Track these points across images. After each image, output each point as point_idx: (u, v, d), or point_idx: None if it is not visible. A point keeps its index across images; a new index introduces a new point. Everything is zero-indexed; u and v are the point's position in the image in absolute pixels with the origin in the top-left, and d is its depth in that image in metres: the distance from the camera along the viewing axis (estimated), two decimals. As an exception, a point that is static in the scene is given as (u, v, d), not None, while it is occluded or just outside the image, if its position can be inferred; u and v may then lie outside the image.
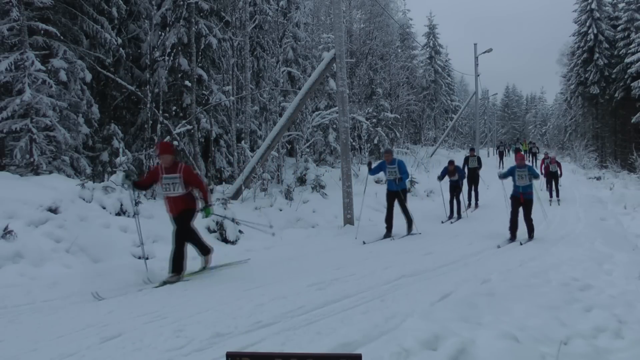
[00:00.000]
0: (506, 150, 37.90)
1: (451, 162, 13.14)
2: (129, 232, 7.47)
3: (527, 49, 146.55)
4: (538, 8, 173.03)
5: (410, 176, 12.78)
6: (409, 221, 9.95)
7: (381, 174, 11.14)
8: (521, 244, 8.84)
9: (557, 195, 16.14)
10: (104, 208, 7.92)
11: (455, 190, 12.93)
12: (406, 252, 7.90)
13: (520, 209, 9.28)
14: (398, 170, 9.69)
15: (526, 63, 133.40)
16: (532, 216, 9.34)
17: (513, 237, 9.19)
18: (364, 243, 8.92)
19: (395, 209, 9.81)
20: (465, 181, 13.51)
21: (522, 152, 28.00)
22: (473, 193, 14.78)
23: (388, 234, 9.65)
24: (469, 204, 14.45)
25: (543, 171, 17.48)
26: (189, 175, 5.98)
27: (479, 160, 15.02)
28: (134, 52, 13.87)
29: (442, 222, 12.18)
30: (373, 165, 10.12)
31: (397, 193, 9.75)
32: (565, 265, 6.29)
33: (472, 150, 16.04)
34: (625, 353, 3.48)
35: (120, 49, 12.17)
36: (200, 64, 14.15)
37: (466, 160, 15.03)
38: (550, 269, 6.10)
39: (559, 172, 16.44)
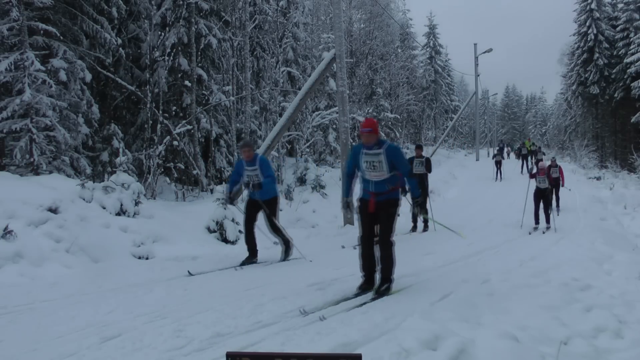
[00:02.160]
0: (506, 150, 37.70)
1: (419, 147, 11.36)
2: (129, 232, 7.48)
3: (527, 49, 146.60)
4: (538, 7, 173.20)
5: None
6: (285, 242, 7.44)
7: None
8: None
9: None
10: (104, 208, 7.92)
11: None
12: (406, 252, 7.89)
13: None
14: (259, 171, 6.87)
15: (526, 63, 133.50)
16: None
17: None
18: (343, 247, 8.32)
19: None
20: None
21: (522, 152, 27.66)
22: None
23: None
24: (413, 226, 10.89)
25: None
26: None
27: (427, 163, 10.87)
28: (134, 52, 13.87)
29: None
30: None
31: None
32: (565, 265, 6.29)
33: (418, 148, 11.32)
34: (625, 353, 3.48)
35: (120, 49, 12.17)
36: (200, 64, 14.15)
37: (410, 163, 10.47)
38: (550, 269, 6.10)
39: (556, 186, 13.34)
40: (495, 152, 27.83)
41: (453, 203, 16.72)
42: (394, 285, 5.14)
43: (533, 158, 25.22)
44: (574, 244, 8.39)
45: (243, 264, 6.78)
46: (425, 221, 10.64)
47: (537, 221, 11.23)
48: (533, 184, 11.48)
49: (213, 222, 8.84)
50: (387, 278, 4.97)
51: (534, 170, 11.74)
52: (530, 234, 10.60)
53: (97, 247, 6.75)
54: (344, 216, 11.22)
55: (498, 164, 23.43)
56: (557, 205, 13.83)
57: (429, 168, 10.90)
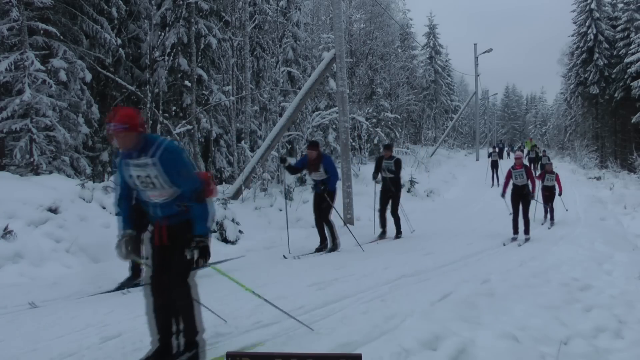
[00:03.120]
0: (506, 150, 37.54)
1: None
2: (129, 232, 7.46)
3: (527, 49, 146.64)
4: (538, 7, 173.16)
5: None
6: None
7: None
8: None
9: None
10: (104, 208, 7.92)
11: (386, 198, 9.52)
12: (406, 252, 7.90)
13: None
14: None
15: (526, 63, 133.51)
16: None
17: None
18: (296, 258, 7.44)
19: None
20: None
21: (522, 152, 27.21)
22: (389, 215, 9.46)
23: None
24: (383, 231, 9.43)
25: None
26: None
27: (396, 164, 9.27)
28: (134, 52, 13.87)
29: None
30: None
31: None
32: (565, 265, 6.30)
33: (387, 148, 9.72)
34: (625, 353, 3.48)
35: (120, 49, 12.18)
36: (200, 64, 14.15)
37: (378, 163, 9.51)
38: (550, 269, 6.10)
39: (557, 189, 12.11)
40: (491, 150, 24.24)
41: (453, 203, 16.73)
42: (392, 286, 5.11)
43: (537, 164, 21.46)
44: (574, 244, 8.39)
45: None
46: (398, 227, 9.41)
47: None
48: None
49: (213, 222, 8.83)
50: (191, 341, 3.26)
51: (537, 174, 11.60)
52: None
53: (97, 247, 6.75)
54: (344, 216, 11.21)
55: (494, 166, 20.15)
56: (551, 218, 11.81)
57: (398, 170, 9.26)
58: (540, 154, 22.42)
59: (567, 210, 13.21)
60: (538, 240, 9.30)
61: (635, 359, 3.41)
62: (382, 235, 9.39)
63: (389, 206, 9.46)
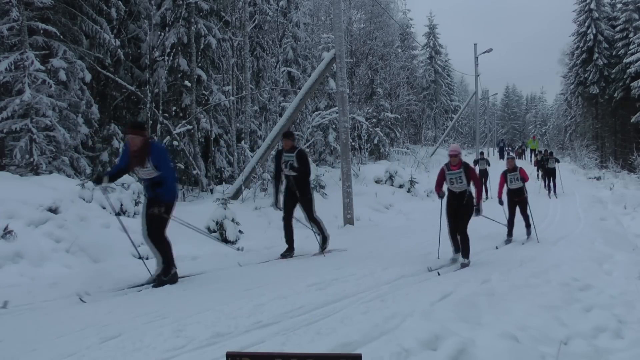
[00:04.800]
0: (507, 150, 37.47)
1: (286, 135, 7.74)
2: (129, 232, 7.46)
3: (527, 49, 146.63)
4: (538, 7, 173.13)
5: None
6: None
7: (381, 174, 10.02)
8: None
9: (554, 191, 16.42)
10: (104, 208, 7.91)
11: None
12: (406, 252, 7.90)
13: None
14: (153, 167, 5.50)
15: (526, 63, 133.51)
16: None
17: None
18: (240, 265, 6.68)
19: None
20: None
21: (524, 152, 26.67)
22: (312, 225, 7.74)
23: None
24: (288, 248, 7.49)
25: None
26: None
27: (300, 157, 7.29)
28: (133, 52, 13.86)
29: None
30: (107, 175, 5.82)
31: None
32: (565, 265, 6.30)
33: (286, 137, 7.49)
34: (625, 353, 3.48)
35: (120, 49, 12.17)
36: (199, 64, 14.14)
37: (277, 159, 7.59)
38: (550, 269, 6.10)
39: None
40: (479, 156, 18.44)
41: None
42: (392, 286, 5.09)
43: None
44: (574, 244, 8.39)
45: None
46: (322, 236, 7.71)
47: (510, 232, 9.45)
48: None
49: (213, 222, 8.83)
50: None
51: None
52: (497, 248, 8.55)
53: (97, 247, 6.75)
54: (344, 216, 11.22)
55: (483, 175, 15.99)
56: (528, 225, 9.72)
57: (303, 166, 7.22)
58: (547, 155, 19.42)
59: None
60: (538, 240, 9.30)
61: (635, 359, 3.41)
62: (287, 253, 7.29)
63: (304, 214, 7.58)
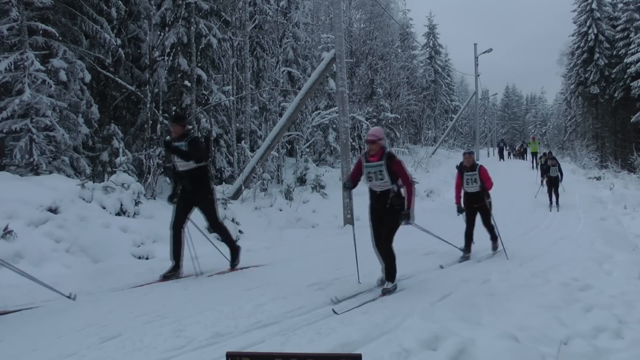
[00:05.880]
0: (507, 150, 37.19)
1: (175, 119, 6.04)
2: (129, 232, 7.47)
3: (527, 49, 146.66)
4: (538, 7, 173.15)
5: None
6: None
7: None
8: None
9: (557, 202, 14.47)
10: (104, 208, 7.92)
11: None
12: (406, 252, 7.89)
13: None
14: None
15: (526, 63, 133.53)
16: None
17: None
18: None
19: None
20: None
21: (525, 152, 25.59)
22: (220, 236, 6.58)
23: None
24: (175, 265, 5.96)
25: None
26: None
27: (193, 144, 5.88)
28: (133, 52, 13.87)
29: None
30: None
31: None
32: (565, 265, 6.30)
33: (175, 121, 5.96)
34: (625, 353, 3.48)
35: (120, 49, 12.17)
36: (200, 64, 14.15)
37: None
38: (550, 269, 6.10)
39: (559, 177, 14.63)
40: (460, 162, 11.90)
41: (453, 203, 16.69)
42: None
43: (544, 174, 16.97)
44: (574, 244, 8.38)
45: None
46: (232, 250, 6.40)
47: (468, 247, 7.51)
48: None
49: (213, 222, 8.82)
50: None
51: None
52: (442, 267, 6.70)
53: (97, 247, 6.75)
54: (344, 216, 11.22)
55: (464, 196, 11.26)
56: (493, 237, 7.90)
57: (195, 154, 5.80)
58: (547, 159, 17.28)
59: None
60: (538, 240, 9.30)
61: (635, 359, 3.40)
62: (171, 272, 5.75)
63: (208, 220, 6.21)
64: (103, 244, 6.87)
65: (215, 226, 6.22)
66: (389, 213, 5.11)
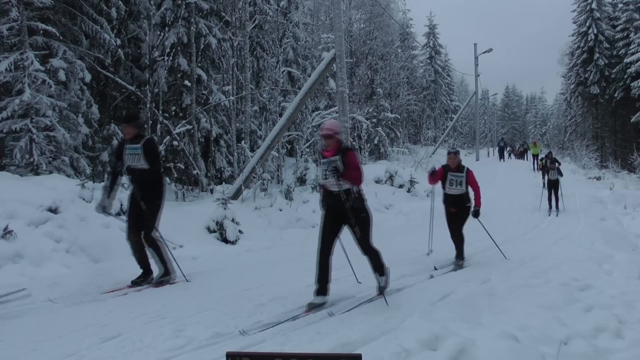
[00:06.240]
0: (507, 150, 37.06)
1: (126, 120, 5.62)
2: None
3: (527, 49, 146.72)
4: (539, 7, 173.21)
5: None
6: None
7: (381, 174, 8.69)
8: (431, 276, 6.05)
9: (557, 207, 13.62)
10: (104, 208, 7.90)
11: None
12: (406, 252, 7.89)
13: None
14: None
15: (526, 63, 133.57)
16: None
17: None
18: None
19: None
20: None
21: (526, 152, 24.95)
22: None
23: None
24: (143, 272, 5.57)
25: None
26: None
27: (147, 147, 5.49)
28: (133, 52, 13.87)
29: None
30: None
31: None
32: (565, 265, 6.29)
33: (126, 121, 5.58)
34: (625, 353, 3.48)
35: (120, 49, 12.18)
36: (199, 64, 14.15)
37: (118, 153, 5.68)
38: (550, 269, 6.10)
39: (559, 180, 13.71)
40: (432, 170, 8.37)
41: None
42: (392, 286, 5.04)
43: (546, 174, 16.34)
44: (574, 244, 8.38)
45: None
46: (162, 263, 5.57)
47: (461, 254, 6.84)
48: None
49: (213, 222, 8.84)
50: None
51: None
52: (432, 276, 6.04)
53: (97, 247, 6.75)
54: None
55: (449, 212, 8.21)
56: (459, 250, 6.95)
57: (152, 162, 5.43)
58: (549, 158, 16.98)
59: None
60: (538, 240, 9.30)
61: (635, 359, 3.40)
62: (140, 279, 5.47)
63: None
64: (103, 244, 6.87)
65: (148, 239, 5.44)
66: (461, 211, 4.94)
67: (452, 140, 38.03)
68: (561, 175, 14.09)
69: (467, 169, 7.02)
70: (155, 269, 5.57)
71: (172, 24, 13.43)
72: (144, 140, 5.42)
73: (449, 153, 7.09)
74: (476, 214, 6.96)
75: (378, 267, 4.71)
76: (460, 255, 6.89)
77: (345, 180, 4.44)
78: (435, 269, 6.44)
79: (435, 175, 7.03)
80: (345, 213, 4.49)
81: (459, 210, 6.89)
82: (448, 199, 7.01)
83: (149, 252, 5.49)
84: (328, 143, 4.60)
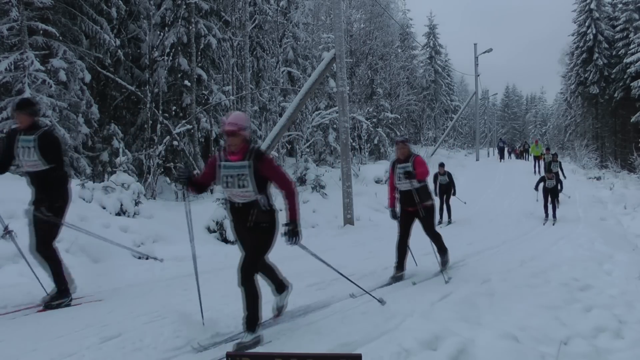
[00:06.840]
0: (507, 150, 36.99)
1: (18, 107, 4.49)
2: (129, 232, 7.47)
3: (527, 49, 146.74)
4: (539, 7, 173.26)
5: None
6: None
7: (381, 174, 9.16)
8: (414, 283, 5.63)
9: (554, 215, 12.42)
10: (104, 208, 7.92)
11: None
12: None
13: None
14: None
15: (526, 63, 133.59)
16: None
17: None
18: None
19: None
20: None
21: (527, 152, 24.46)
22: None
23: None
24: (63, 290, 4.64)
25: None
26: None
27: (46, 145, 4.78)
28: (133, 52, 13.87)
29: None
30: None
31: None
32: (565, 265, 6.29)
33: (20, 108, 4.70)
34: (625, 353, 3.48)
35: (120, 49, 12.18)
36: (200, 64, 14.15)
37: (9, 145, 5.05)
38: (550, 269, 6.10)
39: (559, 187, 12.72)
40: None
41: (453, 202, 16.68)
42: (392, 286, 5.03)
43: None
44: (574, 244, 8.38)
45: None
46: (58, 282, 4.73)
47: (401, 265, 5.90)
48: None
49: (213, 222, 8.84)
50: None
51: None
52: (390, 284, 5.63)
53: (96, 247, 6.74)
54: (344, 216, 11.22)
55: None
56: (439, 252, 6.21)
57: (51, 157, 4.77)
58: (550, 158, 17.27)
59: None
60: (538, 240, 9.30)
61: (635, 359, 3.40)
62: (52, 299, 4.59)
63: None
64: (103, 244, 6.86)
65: (40, 249, 4.59)
66: (255, 231, 3.82)
67: (452, 140, 38.02)
68: (562, 179, 13.28)
69: (415, 155, 5.96)
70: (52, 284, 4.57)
71: (172, 24, 13.43)
72: (40, 132, 4.55)
73: (396, 143, 6.09)
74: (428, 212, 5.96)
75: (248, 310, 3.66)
76: (441, 249, 6.10)
77: (291, 202, 3.84)
78: (414, 283, 5.62)
79: (389, 183, 6.08)
80: (245, 229, 3.91)
81: (416, 211, 5.85)
82: (401, 197, 5.95)
83: (42, 267, 4.61)
84: (232, 142, 3.59)
